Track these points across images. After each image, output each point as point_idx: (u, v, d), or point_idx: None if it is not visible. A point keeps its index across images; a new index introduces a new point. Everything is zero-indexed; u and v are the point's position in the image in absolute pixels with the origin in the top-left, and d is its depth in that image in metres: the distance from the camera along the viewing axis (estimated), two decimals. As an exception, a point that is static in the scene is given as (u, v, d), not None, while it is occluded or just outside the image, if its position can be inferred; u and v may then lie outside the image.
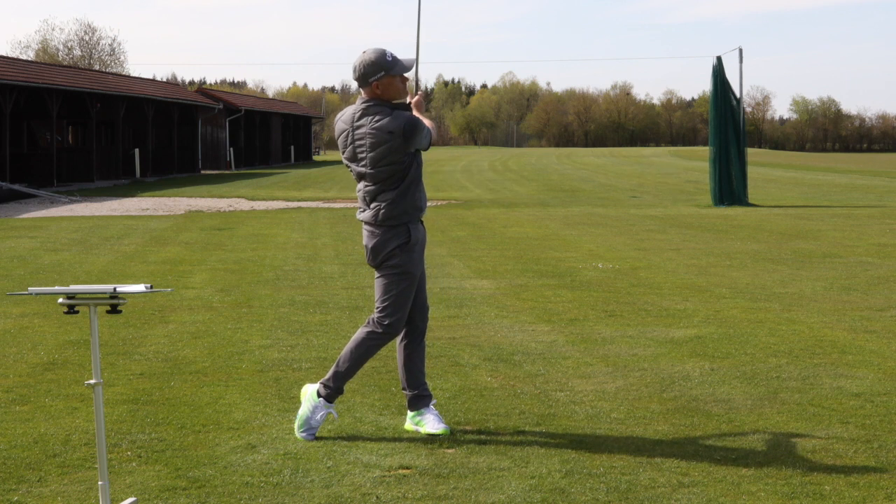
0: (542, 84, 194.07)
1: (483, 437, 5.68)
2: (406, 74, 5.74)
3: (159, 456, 5.35)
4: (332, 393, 5.77)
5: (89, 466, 5.16)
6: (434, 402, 5.94)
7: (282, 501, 4.69)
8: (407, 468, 5.13)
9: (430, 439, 5.62)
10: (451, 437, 5.65)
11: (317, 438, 5.66)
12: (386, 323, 5.72)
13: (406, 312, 5.76)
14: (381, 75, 5.61)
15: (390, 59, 5.63)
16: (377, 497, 4.72)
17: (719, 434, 5.71)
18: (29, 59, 71.52)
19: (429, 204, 31.58)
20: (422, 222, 5.85)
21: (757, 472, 5.04)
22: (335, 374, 5.78)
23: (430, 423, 5.73)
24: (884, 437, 5.61)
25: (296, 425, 5.71)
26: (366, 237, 5.79)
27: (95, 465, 5.02)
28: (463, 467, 5.13)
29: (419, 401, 5.84)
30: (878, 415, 6.07)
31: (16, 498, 4.77)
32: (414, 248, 5.73)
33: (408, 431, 5.78)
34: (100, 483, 4.34)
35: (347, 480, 4.96)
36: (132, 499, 4.61)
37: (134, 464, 5.23)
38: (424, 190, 5.83)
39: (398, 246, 5.67)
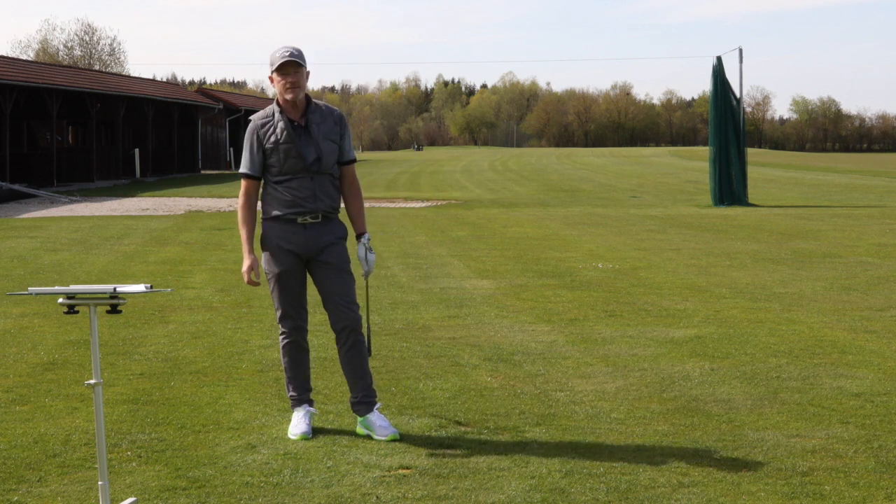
0: (542, 84, 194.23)
1: (483, 437, 5.68)
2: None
3: (159, 456, 5.35)
4: (297, 400, 5.86)
5: (89, 466, 5.16)
6: (379, 405, 5.83)
7: (282, 501, 4.70)
8: (407, 468, 5.13)
9: (430, 439, 5.62)
10: (450, 437, 5.65)
11: (315, 436, 5.66)
12: (278, 317, 5.88)
13: (285, 309, 5.80)
14: (270, 71, 5.73)
15: (278, 54, 5.70)
16: (377, 497, 4.73)
17: (719, 434, 5.70)
18: (29, 59, 71.51)
19: (428, 204, 31.12)
20: (304, 226, 5.70)
21: (757, 472, 5.04)
22: (287, 383, 5.94)
23: (377, 429, 5.67)
24: (884, 437, 5.61)
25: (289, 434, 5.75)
26: None
27: (95, 465, 5.02)
28: (463, 467, 5.13)
29: (358, 407, 5.80)
30: (878, 415, 6.07)
31: (16, 498, 4.77)
32: (263, 244, 5.81)
33: (403, 432, 5.78)
34: (100, 483, 4.34)
35: (347, 480, 4.96)
36: (132, 499, 4.62)
37: (134, 464, 5.24)
38: (297, 196, 5.68)
39: (260, 241, 5.87)
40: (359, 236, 5.89)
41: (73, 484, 4.94)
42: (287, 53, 5.65)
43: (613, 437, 5.66)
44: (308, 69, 5.76)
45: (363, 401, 5.78)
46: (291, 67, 5.66)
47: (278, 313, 5.84)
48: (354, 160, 5.93)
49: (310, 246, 5.71)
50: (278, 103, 5.77)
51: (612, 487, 4.83)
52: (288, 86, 5.66)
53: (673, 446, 5.49)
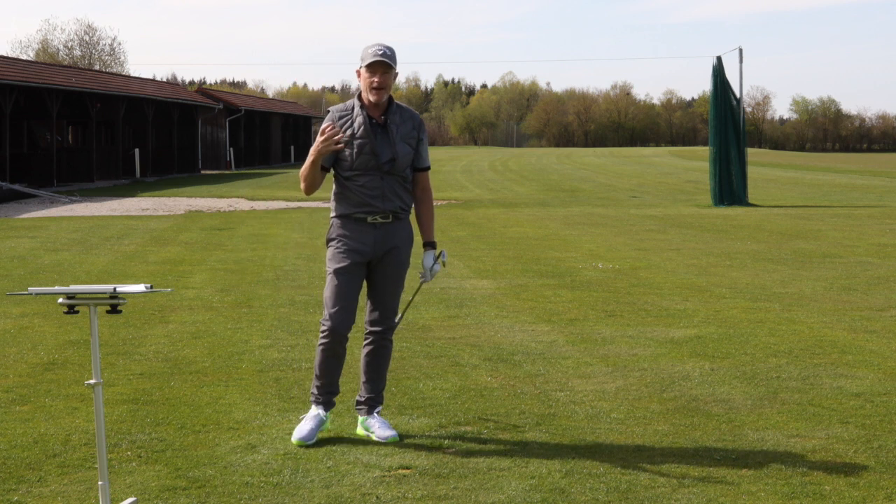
0: (542, 84, 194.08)
1: (483, 437, 5.68)
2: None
3: (159, 456, 5.36)
4: (316, 399, 5.75)
5: (89, 466, 5.16)
6: (379, 409, 5.79)
7: (282, 501, 4.70)
8: (407, 468, 5.14)
9: (430, 439, 5.62)
10: (450, 437, 5.65)
11: (315, 443, 5.63)
12: (324, 316, 5.69)
13: (339, 308, 5.59)
14: (360, 65, 5.61)
15: (370, 50, 5.56)
16: (377, 497, 4.73)
17: (719, 434, 5.71)
18: (29, 59, 71.52)
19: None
20: (374, 225, 5.61)
21: (757, 472, 5.04)
22: (313, 380, 5.83)
23: (377, 431, 5.65)
24: (884, 437, 5.61)
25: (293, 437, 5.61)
26: None
27: (95, 465, 5.02)
28: (463, 467, 5.14)
29: (361, 406, 5.78)
30: (878, 415, 6.07)
31: (16, 498, 4.77)
32: (331, 242, 5.70)
33: (403, 432, 5.78)
34: (100, 483, 4.34)
35: (347, 480, 4.96)
36: (132, 499, 4.62)
37: (134, 464, 5.24)
38: (366, 195, 5.57)
39: (326, 237, 5.77)
40: (427, 244, 5.81)
41: (73, 484, 4.94)
42: (380, 52, 5.51)
43: (613, 437, 5.66)
44: (397, 70, 5.60)
45: (368, 402, 5.77)
46: (381, 68, 5.52)
47: (325, 312, 5.66)
48: (428, 167, 5.82)
49: (378, 247, 5.62)
50: (360, 98, 5.65)
51: (612, 487, 4.83)
52: (374, 85, 5.54)
53: (673, 446, 5.49)
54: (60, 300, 4.36)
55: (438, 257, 5.82)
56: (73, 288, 4.33)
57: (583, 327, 8.99)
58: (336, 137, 5.51)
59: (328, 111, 5.74)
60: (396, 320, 5.86)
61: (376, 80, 5.54)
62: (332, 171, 5.73)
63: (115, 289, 4.29)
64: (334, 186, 5.72)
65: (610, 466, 5.14)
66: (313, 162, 5.59)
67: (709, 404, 6.35)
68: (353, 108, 5.66)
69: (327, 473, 5.06)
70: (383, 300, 5.74)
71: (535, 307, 10.10)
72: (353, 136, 5.58)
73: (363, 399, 5.80)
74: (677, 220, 21.52)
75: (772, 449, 5.42)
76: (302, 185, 5.70)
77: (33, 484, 4.96)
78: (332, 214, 5.73)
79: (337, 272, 5.63)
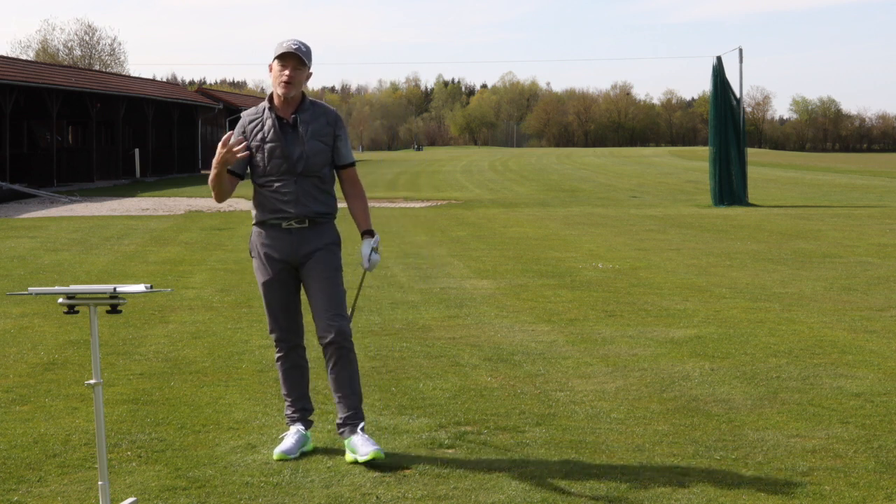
0: (542, 84, 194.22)
1: (483, 437, 5.68)
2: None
3: (159, 456, 5.36)
4: (290, 418, 5.52)
5: (89, 466, 5.16)
6: (362, 425, 5.35)
7: (282, 501, 4.70)
8: (407, 468, 5.13)
9: (430, 439, 5.62)
10: (450, 437, 5.65)
11: (314, 436, 5.63)
12: (269, 329, 5.56)
13: (272, 323, 5.47)
14: (272, 59, 5.39)
15: (284, 43, 5.34)
16: (377, 497, 4.73)
17: (719, 434, 5.71)
18: (29, 59, 71.49)
19: (428, 204, 31.09)
20: (289, 231, 5.38)
21: (757, 472, 5.04)
22: (284, 400, 5.61)
23: (359, 449, 5.21)
24: (884, 437, 5.61)
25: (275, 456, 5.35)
26: None
27: (95, 465, 5.02)
28: (463, 467, 5.13)
29: (342, 429, 5.39)
30: (878, 415, 6.07)
31: (16, 498, 4.77)
32: (251, 251, 5.52)
33: (403, 431, 5.77)
34: (100, 483, 4.34)
35: (347, 480, 4.96)
36: (132, 499, 4.62)
37: (134, 464, 5.24)
38: (279, 200, 5.36)
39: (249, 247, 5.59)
40: (364, 233, 5.54)
41: (73, 484, 4.94)
42: (293, 46, 5.31)
43: (613, 437, 5.66)
44: (311, 70, 5.42)
45: (347, 422, 5.35)
46: (293, 60, 5.32)
47: (268, 320, 5.54)
48: (353, 163, 5.57)
49: (295, 252, 5.36)
50: (270, 99, 5.45)
51: (612, 487, 4.83)
52: (284, 79, 5.31)
53: (673, 446, 5.49)
54: (60, 300, 4.36)
55: (368, 242, 5.53)
56: (73, 288, 4.33)
57: (583, 327, 8.99)
58: (237, 148, 5.24)
59: (240, 116, 5.56)
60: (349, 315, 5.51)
61: (287, 73, 5.29)
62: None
63: (115, 289, 4.29)
64: (252, 192, 5.52)
65: (610, 466, 5.14)
66: (217, 174, 5.34)
67: (709, 404, 6.35)
68: (263, 111, 5.44)
69: (327, 473, 5.06)
70: (322, 306, 5.35)
71: (535, 307, 10.10)
72: (263, 139, 5.37)
73: (342, 421, 5.38)
74: (677, 220, 21.52)
75: (772, 449, 5.42)
76: (213, 195, 5.50)
77: (33, 484, 4.96)
78: (252, 222, 5.54)
79: (265, 285, 5.47)
